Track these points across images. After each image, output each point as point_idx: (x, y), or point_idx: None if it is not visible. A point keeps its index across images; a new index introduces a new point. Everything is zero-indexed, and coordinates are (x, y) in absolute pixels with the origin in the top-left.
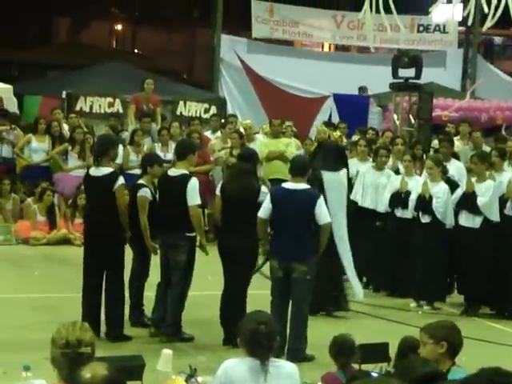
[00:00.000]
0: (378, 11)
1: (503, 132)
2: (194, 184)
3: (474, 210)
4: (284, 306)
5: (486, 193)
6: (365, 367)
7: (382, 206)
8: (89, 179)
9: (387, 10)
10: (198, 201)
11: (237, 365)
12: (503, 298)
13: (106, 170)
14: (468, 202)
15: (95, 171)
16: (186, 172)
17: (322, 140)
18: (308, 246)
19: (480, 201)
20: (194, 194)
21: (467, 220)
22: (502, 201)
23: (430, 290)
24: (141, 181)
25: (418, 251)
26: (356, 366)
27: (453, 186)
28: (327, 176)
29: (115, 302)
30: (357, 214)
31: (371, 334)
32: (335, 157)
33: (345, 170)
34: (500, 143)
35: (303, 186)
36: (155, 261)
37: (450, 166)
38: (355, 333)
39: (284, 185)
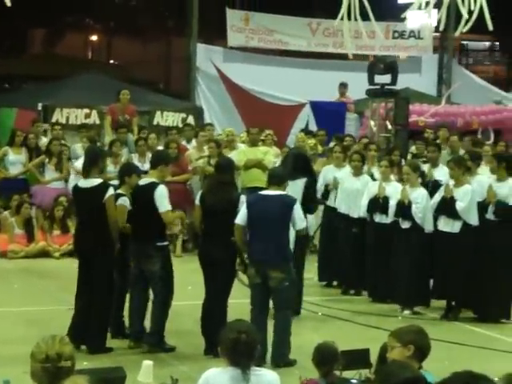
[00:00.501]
0: (354, 18)
1: (479, 136)
2: (161, 191)
3: (453, 214)
4: (264, 313)
5: (465, 197)
6: (346, 374)
7: (359, 212)
8: (78, 191)
9: (363, 17)
10: (169, 207)
11: (218, 374)
12: (485, 302)
13: (95, 182)
14: (447, 206)
15: (84, 183)
16: (154, 180)
17: (300, 147)
18: (283, 251)
19: (459, 205)
20: (162, 201)
21: (446, 225)
22: (483, 205)
23: (412, 295)
24: (119, 190)
25: (398, 256)
26: (337, 373)
27: (438, 188)
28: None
29: (100, 314)
30: (334, 220)
31: (352, 341)
32: (295, 165)
33: (304, 179)
34: (477, 147)
35: (279, 192)
36: None
37: (438, 170)
38: (335, 339)
39: (260, 192)
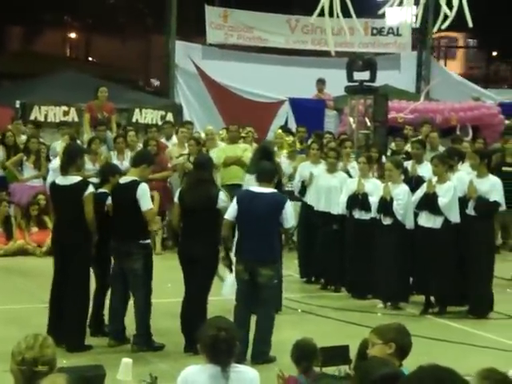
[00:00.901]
0: (337, 16)
1: (458, 132)
2: (143, 189)
3: (435, 210)
4: (247, 309)
5: (447, 194)
6: (325, 370)
7: (338, 209)
8: (56, 188)
9: (343, 14)
10: (151, 205)
11: (197, 372)
12: (468, 297)
13: (74, 179)
14: (429, 202)
15: (63, 180)
16: (136, 178)
17: (279, 144)
18: (273, 249)
19: (441, 201)
20: (145, 199)
21: (428, 221)
22: (464, 201)
23: (392, 290)
24: (103, 189)
25: (379, 252)
26: (317, 369)
27: (422, 185)
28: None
29: (78, 311)
30: (311, 217)
31: (331, 337)
32: (258, 157)
33: None
34: (456, 144)
35: (270, 189)
36: None
37: (422, 167)
38: (315, 335)
39: (251, 188)
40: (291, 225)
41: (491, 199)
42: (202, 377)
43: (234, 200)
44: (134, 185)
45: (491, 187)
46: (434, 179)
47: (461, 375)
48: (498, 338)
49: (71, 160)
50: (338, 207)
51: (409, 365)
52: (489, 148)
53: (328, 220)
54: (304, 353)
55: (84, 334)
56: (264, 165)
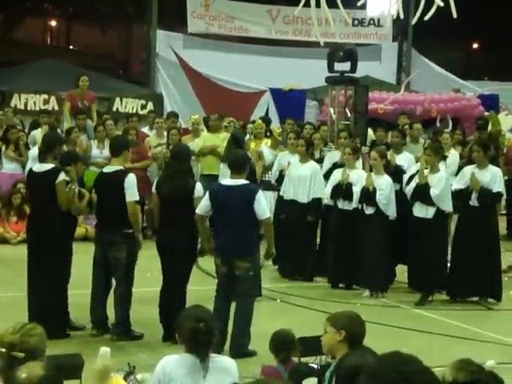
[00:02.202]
0: (319, 6)
1: (438, 124)
2: (131, 180)
3: (428, 200)
4: (226, 301)
5: (438, 184)
6: (304, 360)
7: (305, 198)
8: (32, 175)
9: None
10: (137, 197)
11: (176, 362)
12: (469, 284)
13: (48, 166)
14: (421, 193)
15: (39, 167)
16: (122, 168)
17: (258, 135)
18: (248, 241)
19: (433, 192)
20: (132, 190)
21: (421, 211)
22: (466, 192)
23: (375, 279)
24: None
25: (362, 242)
26: (295, 359)
27: (400, 174)
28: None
29: (56, 299)
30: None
31: (311, 327)
32: (230, 147)
33: None
34: (437, 136)
35: (241, 181)
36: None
37: (401, 157)
38: (294, 326)
39: (223, 181)
40: (266, 216)
41: (494, 190)
42: (181, 367)
43: (207, 195)
44: (120, 174)
45: (492, 177)
46: (427, 170)
47: (423, 363)
48: (475, 329)
49: (49, 148)
50: (305, 196)
51: None
52: (467, 139)
53: (295, 209)
54: (282, 343)
55: (63, 321)
56: (233, 154)
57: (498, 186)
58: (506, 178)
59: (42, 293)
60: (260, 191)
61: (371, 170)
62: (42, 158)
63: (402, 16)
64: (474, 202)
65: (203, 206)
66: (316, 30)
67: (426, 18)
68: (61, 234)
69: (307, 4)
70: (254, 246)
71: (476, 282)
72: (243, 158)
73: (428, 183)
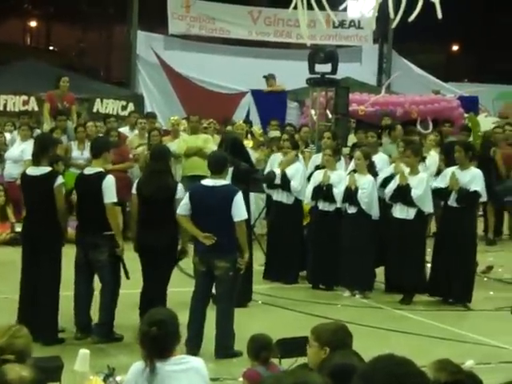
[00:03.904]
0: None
1: (418, 126)
2: (109, 181)
3: (408, 202)
4: (203, 301)
5: (420, 185)
6: (285, 362)
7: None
8: (26, 179)
9: (310, 7)
10: (114, 198)
11: (137, 367)
12: (447, 285)
13: (44, 169)
14: (402, 194)
15: (33, 170)
16: (102, 170)
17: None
18: (228, 241)
19: (414, 193)
20: (109, 192)
21: (401, 212)
22: (446, 192)
23: (357, 279)
24: None
25: (344, 241)
26: (276, 361)
27: (375, 176)
28: None
29: (50, 304)
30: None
31: (292, 329)
32: (232, 150)
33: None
34: (410, 136)
35: (222, 182)
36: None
37: (376, 157)
38: (275, 327)
39: (203, 182)
40: (242, 218)
41: (471, 189)
42: (132, 371)
43: (187, 195)
44: (99, 176)
45: (472, 178)
46: (406, 170)
47: (417, 366)
48: (455, 330)
49: (43, 150)
50: (292, 197)
51: (371, 357)
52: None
53: (281, 210)
54: (262, 344)
55: (56, 326)
56: (214, 154)
57: (476, 186)
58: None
59: (37, 298)
60: (240, 193)
61: (354, 171)
62: (36, 160)
63: (392, 15)
64: (452, 202)
65: (183, 206)
66: (304, 31)
67: (410, 19)
68: (58, 237)
69: (289, 6)
70: (233, 246)
71: (452, 284)
72: (223, 158)
73: (409, 184)
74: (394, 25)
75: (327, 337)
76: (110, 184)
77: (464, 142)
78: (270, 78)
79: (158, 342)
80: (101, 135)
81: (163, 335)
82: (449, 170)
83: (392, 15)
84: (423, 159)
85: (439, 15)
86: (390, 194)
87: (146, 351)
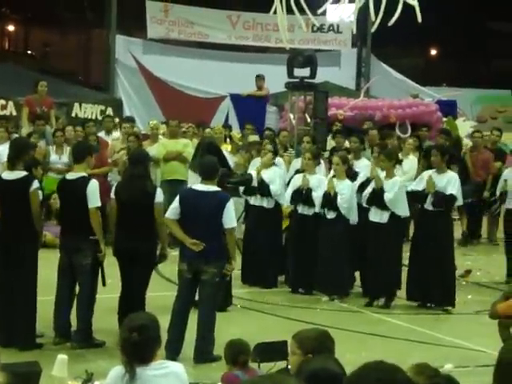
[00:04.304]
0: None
1: (397, 130)
2: (93, 186)
3: (383, 205)
4: (186, 306)
5: (392, 189)
6: (264, 366)
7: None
8: (1, 182)
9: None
10: (98, 203)
11: (116, 372)
12: (425, 288)
13: (20, 174)
14: (377, 198)
15: (8, 175)
16: (85, 174)
17: (218, 140)
18: (217, 247)
19: (386, 197)
20: (93, 197)
21: (375, 215)
22: (422, 195)
23: (336, 284)
24: None
25: (322, 246)
26: (255, 365)
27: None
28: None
29: (27, 309)
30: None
31: (270, 333)
32: (201, 157)
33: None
34: (387, 139)
35: (213, 188)
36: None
37: (359, 163)
38: (255, 331)
39: (194, 186)
40: (232, 225)
41: (447, 192)
42: (117, 379)
43: (177, 199)
44: (83, 181)
45: (448, 182)
46: (382, 174)
47: (405, 373)
48: (433, 333)
49: (19, 154)
50: (269, 201)
51: (349, 361)
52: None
53: (261, 214)
54: (238, 349)
55: (34, 331)
56: (205, 161)
57: (452, 189)
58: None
59: (14, 301)
60: (231, 200)
61: (334, 176)
62: (11, 164)
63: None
64: (428, 205)
65: (173, 209)
66: (285, 35)
67: (390, 23)
68: (33, 242)
69: (269, 10)
70: (222, 251)
71: (430, 288)
72: (214, 164)
73: (383, 188)
74: (373, 29)
75: (310, 344)
76: (94, 189)
77: (441, 146)
78: (260, 78)
79: (139, 348)
80: (80, 140)
81: (144, 341)
82: (425, 174)
83: (373, 18)
84: (399, 162)
85: (419, 19)
86: (366, 197)
87: (127, 357)
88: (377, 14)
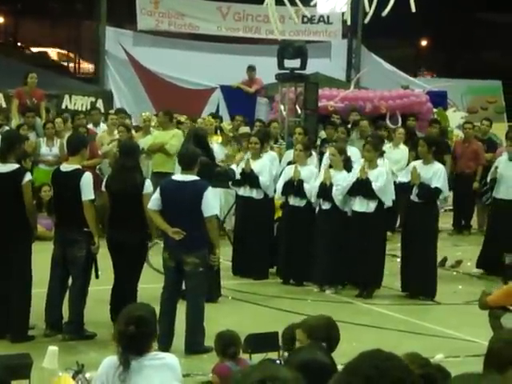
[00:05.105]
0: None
1: (387, 121)
2: (87, 178)
3: (369, 195)
4: (173, 297)
5: (380, 178)
6: (255, 357)
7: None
8: None
9: (281, 2)
10: (92, 196)
11: (110, 362)
12: (412, 279)
13: (12, 166)
14: (362, 188)
15: (0, 168)
16: (79, 167)
17: (208, 131)
18: (197, 237)
19: (375, 185)
20: (87, 189)
21: (361, 205)
22: (408, 187)
23: (330, 274)
24: None
25: (316, 237)
26: (246, 356)
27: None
28: None
29: (21, 301)
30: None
31: (261, 324)
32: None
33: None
34: (380, 130)
35: (192, 177)
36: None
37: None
38: (246, 323)
39: (174, 177)
40: (212, 213)
41: (432, 185)
42: (111, 368)
43: (158, 190)
44: (77, 173)
45: (434, 173)
46: (366, 165)
47: (403, 361)
48: (424, 324)
49: (10, 147)
50: (259, 192)
51: (341, 351)
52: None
53: (251, 205)
54: (229, 340)
55: (27, 323)
56: (184, 150)
57: (437, 182)
58: (454, 173)
59: (9, 294)
60: (210, 188)
61: (330, 167)
62: (3, 157)
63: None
64: (414, 197)
65: (154, 200)
66: (277, 26)
67: (384, 14)
68: (27, 234)
69: (259, 1)
70: (203, 241)
71: (411, 279)
72: (193, 153)
73: (368, 178)
74: (367, 20)
75: (320, 332)
76: (88, 181)
77: (428, 137)
78: (251, 69)
79: (136, 341)
80: (75, 132)
81: (141, 333)
82: (411, 165)
83: (367, 9)
84: (381, 154)
85: (413, 9)
86: (347, 187)
87: (123, 348)
88: (370, 4)
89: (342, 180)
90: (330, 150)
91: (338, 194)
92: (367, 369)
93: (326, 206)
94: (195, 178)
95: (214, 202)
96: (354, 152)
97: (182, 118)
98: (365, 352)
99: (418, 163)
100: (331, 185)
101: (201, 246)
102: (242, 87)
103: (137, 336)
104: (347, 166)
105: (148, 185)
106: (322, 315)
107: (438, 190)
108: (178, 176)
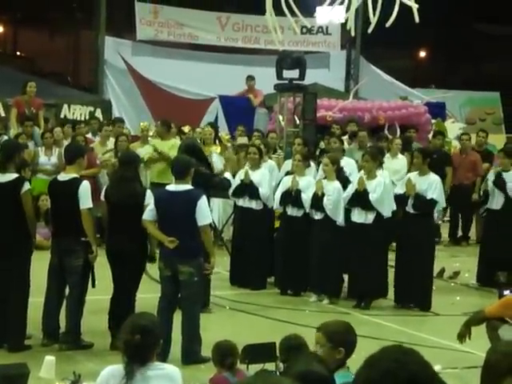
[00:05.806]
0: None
1: (386, 131)
2: (85, 187)
3: (367, 206)
4: (170, 306)
5: (377, 189)
6: (252, 367)
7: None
8: None
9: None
10: (90, 204)
11: (112, 372)
12: (406, 290)
13: (11, 176)
14: (360, 198)
15: (0, 177)
16: (77, 176)
17: (207, 140)
18: (192, 246)
19: (372, 197)
20: (85, 198)
21: (360, 217)
22: (403, 198)
23: (325, 285)
24: None
25: (311, 247)
26: (243, 367)
27: (345, 181)
28: None
29: (19, 311)
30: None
31: (259, 334)
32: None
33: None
34: (381, 142)
35: (185, 187)
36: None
37: (341, 162)
38: (243, 333)
39: (167, 187)
40: (206, 222)
41: (428, 197)
42: (113, 378)
43: (152, 201)
44: (75, 182)
45: (430, 185)
46: (365, 175)
47: (422, 357)
48: (421, 335)
49: (9, 156)
50: (258, 203)
51: (348, 361)
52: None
53: (250, 215)
54: (226, 350)
55: (24, 333)
56: (176, 160)
57: (433, 194)
58: (452, 184)
59: (6, 303)
60: (204, 197)
61: (325, 177)
62: (2, 167)
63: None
64: (409, 208)
65: (149, 211)
66: (278, 36)
67: (388, 24)
68: (27, 244)
69: (259, 12)
70: (197, 250)
71: (407, 290)
72: (186, 162)
73: (366, 189)
74: (370, 29)
75: (340, 336)
76: (86, 190)
77: (423, 149)
78: (250, 79)
79: (141, 350)
80: (72, 142)
81: (147, 343)
82: (407, 176)
83: (371, 18)
84: (381, 164)
85: (416, 19)
86: (347, 198)
87: (128, 358)
88: (374, 14)
89: (332, 191)
90: (324, 160)
91: (328, 204)
92: (387, 362)
93: (318, 216)
94: (189, 187)
95: (208, 211)
96: (349, 163)
97: (186, 129)
98: (386, 346)
99: (413, 175)
100: (323, 195)
101: (196, 255)
102: (249, 97)
103: (142, 345)
104: (340, 176)
105: (149, 195)
106: (341, 320)
107: (433, 201)
108: (172, 186)
